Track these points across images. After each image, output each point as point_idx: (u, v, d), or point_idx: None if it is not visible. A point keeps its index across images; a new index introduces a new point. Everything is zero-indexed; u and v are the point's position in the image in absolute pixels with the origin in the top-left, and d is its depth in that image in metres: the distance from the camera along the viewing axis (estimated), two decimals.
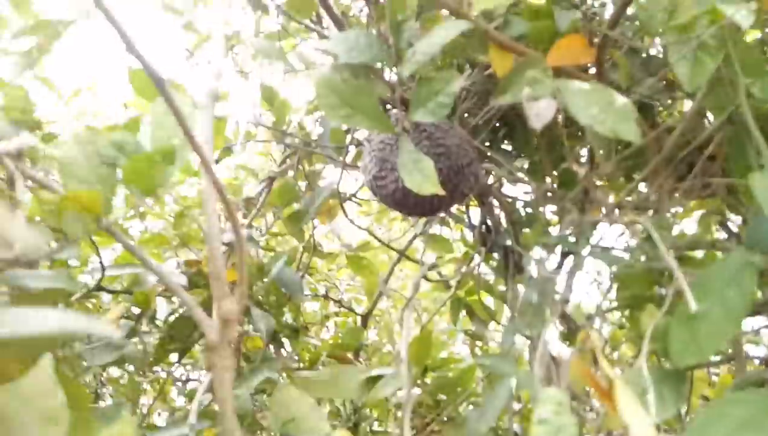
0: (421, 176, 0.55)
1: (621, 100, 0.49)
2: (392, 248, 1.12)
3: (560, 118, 1.00)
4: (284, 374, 1.03)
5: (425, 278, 0.97)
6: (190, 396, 1.84)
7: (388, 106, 0.93)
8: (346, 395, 0.96)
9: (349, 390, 0.94)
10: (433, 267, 1.04)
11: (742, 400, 0.44)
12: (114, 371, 1.68)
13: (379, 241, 1.12)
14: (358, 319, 1.66)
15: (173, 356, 1.31)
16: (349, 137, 1.10)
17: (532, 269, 1.21)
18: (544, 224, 0.81)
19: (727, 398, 0.45)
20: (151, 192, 0.49)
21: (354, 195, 1.28)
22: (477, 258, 1.23)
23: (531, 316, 0.68)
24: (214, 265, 0.45)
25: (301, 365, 1.31)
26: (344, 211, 1.07)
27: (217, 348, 0.45)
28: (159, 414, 1.84)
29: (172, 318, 1.16)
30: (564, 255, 0.79)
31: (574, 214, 0.68)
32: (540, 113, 0.48)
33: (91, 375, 1.55)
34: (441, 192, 0.54)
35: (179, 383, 2.01)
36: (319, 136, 1.18)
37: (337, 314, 1.70)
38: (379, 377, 0.95)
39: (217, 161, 1.25)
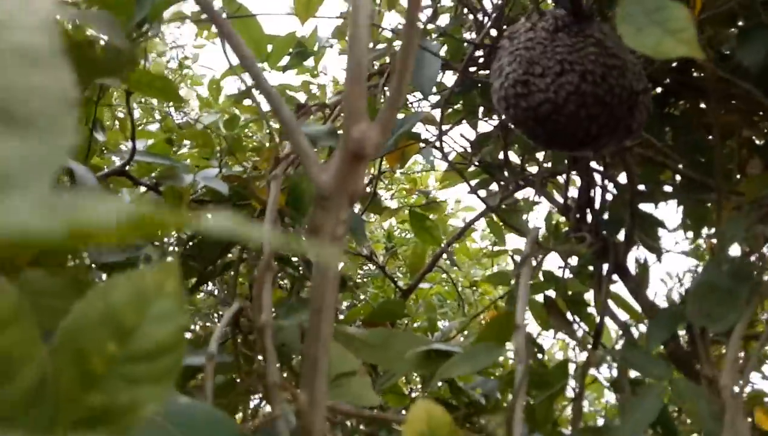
0: (662, 31, 0.35)
1: None
2: (483, 201, 0.93)
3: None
4: None
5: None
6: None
7: None
8: (398, 364, 0.76)
9: (403, 360, 0.75)
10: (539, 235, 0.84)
11: None
12: None
13: (470, 187, 0.92)
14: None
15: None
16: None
17: (634, 268, 1.00)
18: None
19: None
20: None
21: (435, 142, 1.08)
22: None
23: (715, 304, 0.48)
24: (354, 54, 0.26)
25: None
26: (440, 149, 0.86)
27: (329, 200, 0.26)
28: None
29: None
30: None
31: None
32: None
33: None
34: (700, 55, 0.35)
35: None
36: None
37: (364, 284, 1.51)
38: (444, 353, 0.75)
39: (284, 68, 1.06)
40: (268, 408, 0.82)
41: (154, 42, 1.49)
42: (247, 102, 1.07)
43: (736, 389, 0.43)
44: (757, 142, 0.96)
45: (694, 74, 0.93)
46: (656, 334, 0.55)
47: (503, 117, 0.64)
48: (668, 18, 0.35)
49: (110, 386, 0.18)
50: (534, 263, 1.07)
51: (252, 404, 1.01)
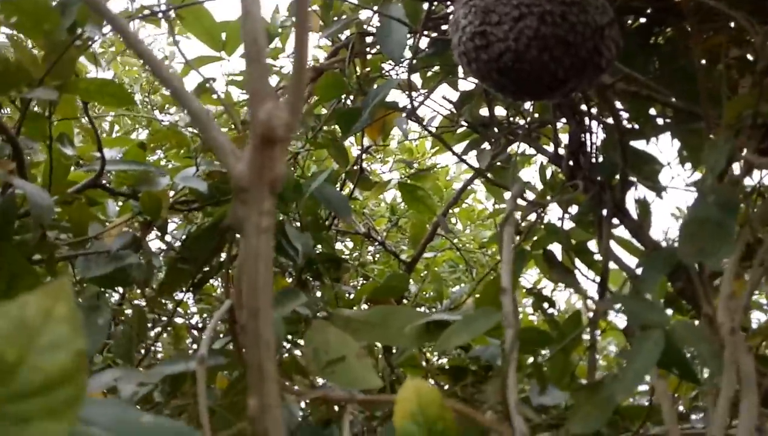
0: None
1: None
2: (468, 165, 0.90)
3: None
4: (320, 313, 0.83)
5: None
6: None
7: None
8: (398, 341, 0.75)
9: (403, 336, 0.73)
10: (524, 190, 0.81)
11: None
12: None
13: (453, 152, 0.90)
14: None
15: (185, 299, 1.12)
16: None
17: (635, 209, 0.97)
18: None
19: None
20: None
21: (414, 112, 1.05)
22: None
23: (707, 239, 0.45)
24: (248, 32, 0.23)
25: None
26: (414, 115, 0.84)
27: (248, 191, 0.24)
28: None
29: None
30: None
31: None
32: None
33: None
34: None
35: (195, 332, 1.85)
36: (378, 28, 0.96)
37: (374, 262, 1.49)
38: (442, 324, 0.74)
39: None
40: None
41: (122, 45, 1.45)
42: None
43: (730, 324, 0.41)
44: (751, 58, 0.92)
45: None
46: (649, 277, 0.52)
47: (467, 72, 0.61)
48: None
49: None
50: (534, 218, 1.05)
51: None
